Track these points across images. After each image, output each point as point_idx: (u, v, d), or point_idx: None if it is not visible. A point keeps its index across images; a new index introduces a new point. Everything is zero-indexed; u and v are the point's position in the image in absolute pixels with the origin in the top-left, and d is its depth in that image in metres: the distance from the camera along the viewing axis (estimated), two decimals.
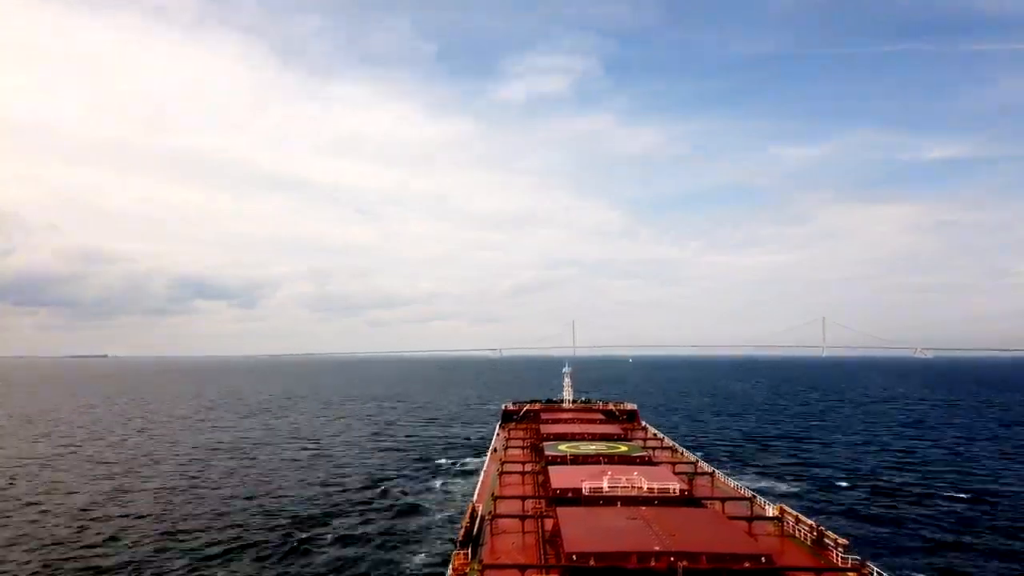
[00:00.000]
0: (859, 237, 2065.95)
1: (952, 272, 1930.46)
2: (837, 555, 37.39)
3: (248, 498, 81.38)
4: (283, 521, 70.74)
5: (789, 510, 45.54)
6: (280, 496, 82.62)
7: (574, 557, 34.01)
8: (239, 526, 69.11)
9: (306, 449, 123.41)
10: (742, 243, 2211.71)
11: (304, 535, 65.47)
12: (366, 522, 70.34)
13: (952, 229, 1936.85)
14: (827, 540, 39.14)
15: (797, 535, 42.59)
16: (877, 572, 34.99)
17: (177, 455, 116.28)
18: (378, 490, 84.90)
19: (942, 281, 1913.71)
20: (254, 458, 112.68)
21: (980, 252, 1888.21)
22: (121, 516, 73.41)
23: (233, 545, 62.48)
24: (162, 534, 66.08)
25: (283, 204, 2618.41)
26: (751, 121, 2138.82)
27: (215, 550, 61.13)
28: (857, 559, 36.66)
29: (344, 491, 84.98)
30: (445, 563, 48.17)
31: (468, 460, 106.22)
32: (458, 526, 50.93)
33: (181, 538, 64.66)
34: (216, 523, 70.32)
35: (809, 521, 42.46)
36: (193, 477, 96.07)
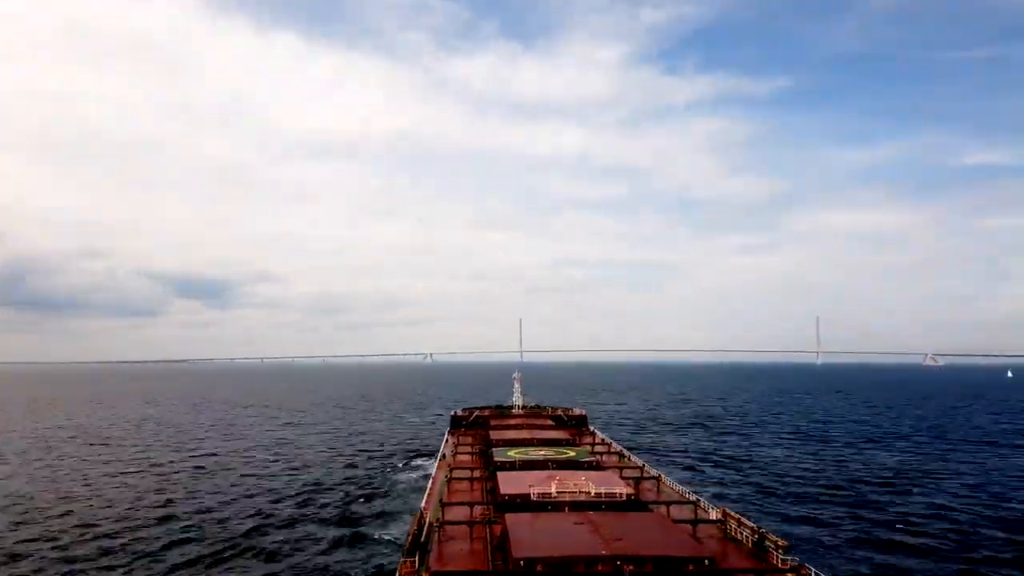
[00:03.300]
0: (870, 239, 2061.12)
1: (969, 275, 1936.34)
2: (777, 557, 38.39)
3: None
4: None
5: (732, 513, 46.58)
6: None
7: (522, 563, 34.14)
8: None
9: None
10: (742, 245, 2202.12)
11: None
12: None
13: (975, 231, 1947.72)
14: (768, 542, 40.14)
15: (739, 537, 43.57)
16: (815, 573, 36.09)
17: None
18: None
19: (958, 284, 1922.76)
20: None
21: (1002, 255, 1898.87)
22: None
23: None
24: None
25: (267, 200, 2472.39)
26: (805, 121, 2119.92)
27: None
28: (796, 560, 37.74)
29: None
30: (392, 572, 47.70)
31: None
32: (405, 533, 50.48)
33: None
34: None
35: (751, 524, 43.48)
36: None
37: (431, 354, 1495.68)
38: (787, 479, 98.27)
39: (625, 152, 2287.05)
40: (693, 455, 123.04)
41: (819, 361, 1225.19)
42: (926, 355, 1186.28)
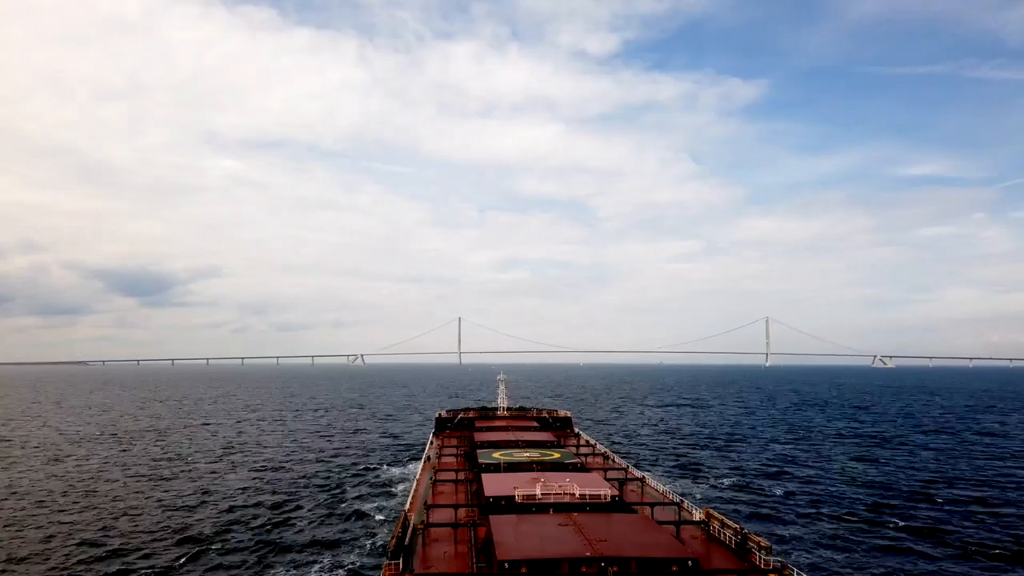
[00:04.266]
0: (817, 244, 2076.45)
1: (908, 281, 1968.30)
2: (760, 557, 38.66)
3: None
4: None
5: (715, 514, 46.83)
6: None
7: (506, 565, 34.15)
8: None
9: None
10: (696, 248, 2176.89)
11: None
12: None
13: (917, 240, 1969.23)
14: (751, 543, 40.41)
15: (722, 538, 43.83)
16: (797, 573, 36.41)
17: None
18: None
19: (898, 290, 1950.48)
20: None
21: (940, 262, 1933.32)
22: None
23: None
24: None
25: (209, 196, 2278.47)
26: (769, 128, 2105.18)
27: None
28: (779, 560, 38.06)
29: None
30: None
31: None
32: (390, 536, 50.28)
33: None
34: None
35: (733, 524, 43.73)
36: None
37: (361, 355, 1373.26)
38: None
39: (594, 151, 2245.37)
40: None
41: (767, 363, 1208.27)
42: (875, 357, 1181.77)
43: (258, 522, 74.46)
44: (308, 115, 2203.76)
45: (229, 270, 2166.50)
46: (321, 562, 60.25)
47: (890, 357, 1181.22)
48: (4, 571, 58.83)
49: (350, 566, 58.91)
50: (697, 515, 49.35)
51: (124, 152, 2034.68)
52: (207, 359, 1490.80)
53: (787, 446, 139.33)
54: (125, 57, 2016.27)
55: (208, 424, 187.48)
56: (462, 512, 49.09)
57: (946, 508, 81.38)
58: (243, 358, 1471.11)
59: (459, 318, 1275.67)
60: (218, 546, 65.43)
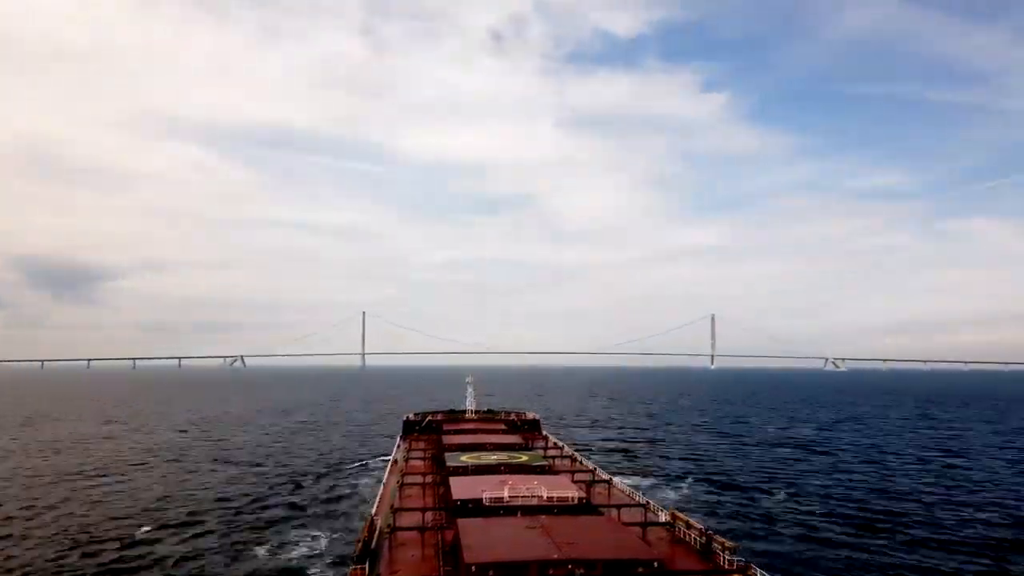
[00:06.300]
0: (771, 249, 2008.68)
1: (873, 284, 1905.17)
2: (724, 558, 39.18)
3: None
4: None
5: (680, 515, 47.38)
6: None
7: (473, 568, 34.08)
8: None
9: None
10: (646, 255, 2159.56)
11: None
12: None
13: (869, 247, 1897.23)
14: (715, 544, 40.93)
15: (687, 539, 44.36)
16: (761, 573, 36.97)
17: None
18: None
19: (862, 292, 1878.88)
20: None
21: (903, 266, 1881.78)
22: None
23: None
24: None
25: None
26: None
27: None
28: (743, 561, 38.61)
29: None
30: None
31: None
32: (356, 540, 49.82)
33: None
34: None
35: (699, 526, 44.28)
36: None
37: (242, 357, 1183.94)
38: None
39: (558, 151, 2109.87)
40: None
41: (713, 365, 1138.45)
42: (826, 360, 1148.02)
43: (205, 528, 73.14)
44: (275, 103, 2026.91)
45: (172, 265, 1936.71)
46: (282, 566, 59.48)
47: (842, 360, 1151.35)
48: None
49: (314, 571, 58.24)
50: (663, 516, 49.83)
51: (70, 135, 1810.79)
52: (42, 361, 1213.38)
53: (732, 447, 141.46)
54: (79, 34, 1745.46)
55: None
56: (429, 515, 48.87)
57: (906, 504, 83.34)
58: (88, 360, 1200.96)
59: (363, 312, 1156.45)
60: (165, 554, 64.06)
